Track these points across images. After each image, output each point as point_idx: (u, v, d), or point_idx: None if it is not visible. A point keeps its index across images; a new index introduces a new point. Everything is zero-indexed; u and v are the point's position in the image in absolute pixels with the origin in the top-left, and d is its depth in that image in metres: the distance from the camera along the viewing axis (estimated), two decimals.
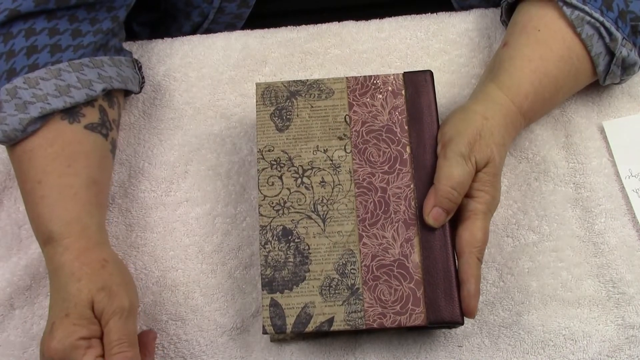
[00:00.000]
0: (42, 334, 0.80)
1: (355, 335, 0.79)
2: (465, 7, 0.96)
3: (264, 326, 0.72)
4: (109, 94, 0.83)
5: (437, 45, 0.93)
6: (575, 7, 0.79)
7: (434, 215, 0.73)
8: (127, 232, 0.85)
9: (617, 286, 0.79)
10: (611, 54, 0.81)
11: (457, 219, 0.75)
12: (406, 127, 0.78)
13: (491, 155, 0.75)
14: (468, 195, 0.74)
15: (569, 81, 0.82)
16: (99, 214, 0.78)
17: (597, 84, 0.86)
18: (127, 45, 0.94)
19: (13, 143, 0.78)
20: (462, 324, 0.72)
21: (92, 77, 0.79)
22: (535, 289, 0.80)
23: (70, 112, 0.79)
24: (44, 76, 0.77)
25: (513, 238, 0.82)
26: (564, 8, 0.80)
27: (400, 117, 0.78)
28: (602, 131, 0.87)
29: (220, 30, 0.96)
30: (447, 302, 0.72)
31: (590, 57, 0.81)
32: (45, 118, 0.77)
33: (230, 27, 0.98)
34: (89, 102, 0.80)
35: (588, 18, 0.79)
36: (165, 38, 0.95)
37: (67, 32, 0.79)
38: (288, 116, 0.78)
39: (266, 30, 0.95)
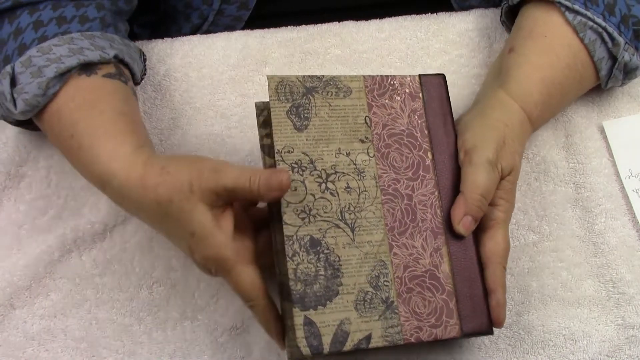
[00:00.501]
0: (42, 334, 0.80)
1: None
2: (465, 7, 0.96)
3: (298, 347, 0.66)
4: (119, 67, 0.83)
5: (437, 45, 0.93)
6: (577, 13, 0.80)
7: (465, 224, 0.72)
8: (128, 232, 0.85)
9: (617, 286, 0.79)
10: (613, 58, 0.81)
11: (479, 227, 0.74)
12: (426, 132, 0.75)
13: (514, 163, 0.75)
14: (490, 204, 0.74)
15: (574, 88, 0.83)
16: (134, 139, 0.75)
17: (597, 84, 0.86)
18: None
19: (38, 110, 0.78)
20: (492, 334, 0.71)
21: (104, 44, 0.80)
22: (535, 289, 0.80)
23: (86, 68, 0.79)
24: (57, 43, 0.77)
25: (513, 238, 0.82)
26: (567, 13, 0.80)
27: (419, 121, 0.76)
28: (602, 131, 0.87)
29: (220, 32, 0.96)
30: (477, 312, 0.70)
31: (593, 62, 0.81)
32: (62, 78, 0.77)
33: (230, 29, 0.98)
34: (103, 63, 0.80)
35: (590, 23, 0.79)
36: (165, 38, 0.95)
37: (70, 5, 0.80)
38: (306, 115, 0.73)
39: (266, 30, 0.95)
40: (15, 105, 0.77)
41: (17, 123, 0.83)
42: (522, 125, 0.78)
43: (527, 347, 0.77)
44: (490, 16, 0.94)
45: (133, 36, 1.01)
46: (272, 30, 0.95)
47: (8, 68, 0.77)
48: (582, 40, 0.80)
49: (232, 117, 0.90)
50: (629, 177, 0.84)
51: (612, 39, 0.80)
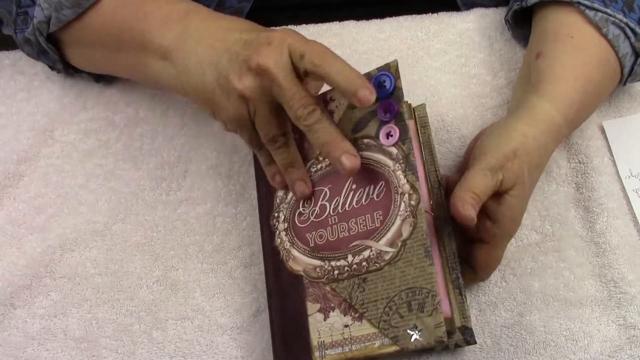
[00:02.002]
0: (42, 333, 0.80)
1: None
2: (469, 4, 0.96)
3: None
4: None
5: (437, 45, 0.93)
6: (597, 10, 0.79)
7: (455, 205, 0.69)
8: (128, 231, 0.85)
9: (618, 286, 0.79)
10: (636, 54, 0.80)
11: (476, 237, 0.74)
12: None
13: (520, 177, 0.72)
14: (491, 218, 0.72)
15: (609, 84, 0.81)
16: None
17: None
18: None
19: (88, 4, 0.80)
20: None
21: None
22: (537, 289, 0.79)
23: None
24: None
25: (516, 238, 0.82)
26: (587, 11, 0.79)
27: None
28: (602, 130, 0.86)
29: None
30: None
31: (619, 59, 0.80)
32: None
33: None
34: None
35: (612, 19, 0.78)
36: None
37: None
38: None
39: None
40: None
41: (45, 47, 0.84)
42: (549, 134, 0.75)
43: (528, 348, 0.77)
44: (490, 16, 0.94)
45: None
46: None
47: None
48: (605, 36, 0.79)
49: None
50: (629, 177, 0.84)
51: (635, 33, 0.79)
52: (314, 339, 0.72)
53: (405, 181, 0.69)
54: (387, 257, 0.69)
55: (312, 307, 0.73)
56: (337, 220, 0.73)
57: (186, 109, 0.90)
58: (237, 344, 0.80)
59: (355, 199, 0.72)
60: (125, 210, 0.85)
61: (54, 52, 0.85)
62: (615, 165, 0.85)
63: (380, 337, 0.68)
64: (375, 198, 0.71)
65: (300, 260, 0.75)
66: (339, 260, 0.72)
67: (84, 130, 0.89)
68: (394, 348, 0.67)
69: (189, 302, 0.81)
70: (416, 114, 0.76)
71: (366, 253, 0.70)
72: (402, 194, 0.69)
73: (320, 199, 0.75)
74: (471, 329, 0.71)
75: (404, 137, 0.70)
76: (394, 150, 0.70)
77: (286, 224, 0.77)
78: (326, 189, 0.75)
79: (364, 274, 0.70)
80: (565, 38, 0.80)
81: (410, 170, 0.69)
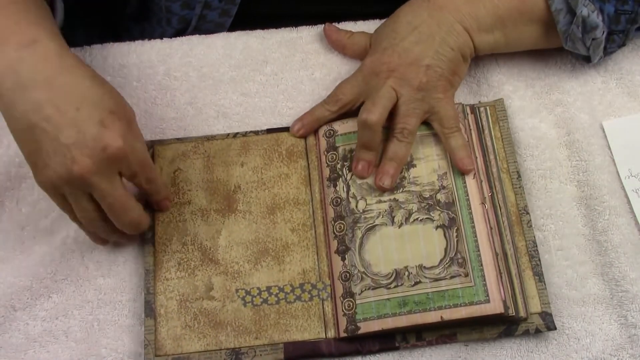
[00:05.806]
0: (43, 335, 0.79)
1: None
2: None
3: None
4: None
5: None
6: None
7: None
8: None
9: (620, 284, 0.79)
10: (572, 13, 0.81)
11: None
12: None
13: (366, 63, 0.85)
14: None
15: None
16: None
17: (595, 83, 0.87)
18: (124, 46, 0.94)
19: None
20: None
21: None
22: None
23: None
24: None
25: None
26: None
27: None
28: (603, 130, 0.87)
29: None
30: None
31: (551, 12, 0.82)
32: None
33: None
34: None
35: None
36: (164, 38, 0.95)
37: None
38: None
39: (266, 30, 0.95)
40: None
41: None
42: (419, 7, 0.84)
43: (530, 346, 0.77)
44: None
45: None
46: (272, 30, 0.95)
47: None
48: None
49: (233, 116, 0.90)
50: (629, 177, 0.84)
51: None
52: None
53: None
54: None
55: None
56: None
57: (187, 109, 0.90)
58: None
59: None
60: None
61: None
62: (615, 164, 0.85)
63: None
64: None
65: None
66: None
67: None
68: None
69: None
70: (495, 109, 0.87)
71: None
72: None
73: None
74: (551, 314, 0.77)
75: None
76: None
77: None
78: None
79: None
80: None
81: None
